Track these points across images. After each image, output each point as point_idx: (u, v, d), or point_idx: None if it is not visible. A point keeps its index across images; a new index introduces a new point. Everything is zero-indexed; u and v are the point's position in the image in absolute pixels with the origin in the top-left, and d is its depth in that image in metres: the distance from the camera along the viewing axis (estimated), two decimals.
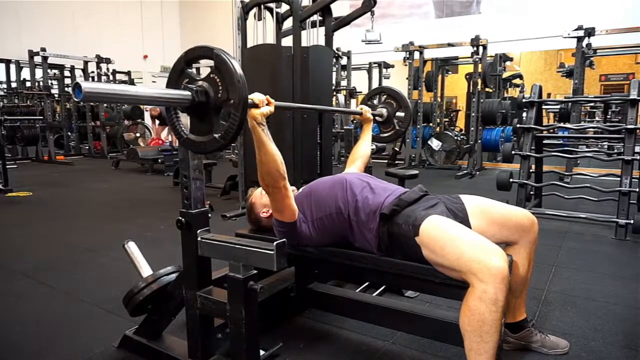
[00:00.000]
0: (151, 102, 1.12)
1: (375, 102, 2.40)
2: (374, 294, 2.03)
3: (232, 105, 1.09)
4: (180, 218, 1.40)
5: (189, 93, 1.12)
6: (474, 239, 1.30)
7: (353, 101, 9.43)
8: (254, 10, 3.74)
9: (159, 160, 6.64)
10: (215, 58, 1.10)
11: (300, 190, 1.72)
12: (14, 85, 9.17)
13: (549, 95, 12.73)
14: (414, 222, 1.40)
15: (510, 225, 1.53)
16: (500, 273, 1.19)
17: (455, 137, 7.27)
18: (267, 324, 1.71)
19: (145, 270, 1.68)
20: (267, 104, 1.39)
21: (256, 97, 1.36)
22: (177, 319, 1.66)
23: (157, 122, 8.59)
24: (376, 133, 2.34)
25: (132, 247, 1.75)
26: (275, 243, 1.23)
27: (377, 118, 2.27)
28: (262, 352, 1.48)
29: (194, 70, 1.19)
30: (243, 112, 1.10)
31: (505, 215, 1.55)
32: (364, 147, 2.10)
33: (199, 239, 1.38)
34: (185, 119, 1.21)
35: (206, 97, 1.12)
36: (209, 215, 1.45)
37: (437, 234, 1.35)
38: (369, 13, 3.61)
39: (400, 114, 2.30)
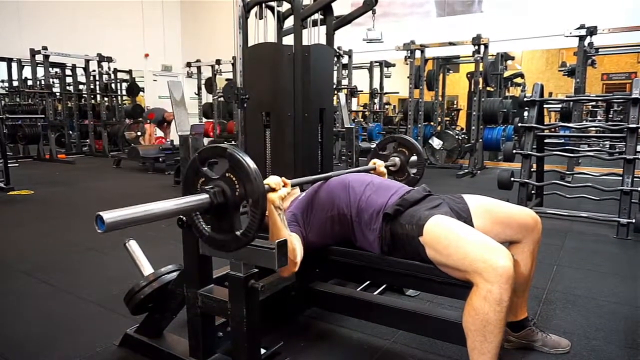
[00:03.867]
0: (173, 214, 1.11)
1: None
2: (375, 293, 2.03)
3: (250, 201, 1.10)
4: (182, 216, 1.40)
5: (207, 196, 1.12)
6: (479, 238, 1.30)
7: (354, 100, 9.43)
8: (255, 9, 3.72)
9: (160, 159, 6.64)
10: (229, 157, 1.12)
11: (303, 194, 1.71)
12: (15, 83, 9.16)
13: (550, 94, 12.71)
14: (418, 222, 1.39)
15: (514, 225, 1.53)
16: (506, 273, 1.19)
17: (457, 136, 7.26)
18: (268, 323, 1.71)
19: (147, 268, 1.68)
20: (283, 186, 1.38)
21: (272, 181, 1.35)
22: (178, 318, 1.66)
23: (165, 124, 8.74)
24: None
25: (133, 246, 1.75)
26: (276, 242, 1.22)
27: (390, 168, 2.22)
28: (263, 351, 1.48)
29: (208, 169, 1.19)
30: (262, 207, 1.10)
31: (509, 215, 1.54)
32: None
33: None
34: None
35: (224, 197, 1.13)
36: None
37: (442, 233, 1.34)
38: (371, 12, 3.60)
39: (413, 158, 2.25)
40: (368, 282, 2.10)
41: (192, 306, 1.44)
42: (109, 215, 0.91)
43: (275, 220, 1.37)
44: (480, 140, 6.76)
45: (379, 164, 2.09)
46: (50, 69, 8.67)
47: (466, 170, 6.44)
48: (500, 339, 1.21)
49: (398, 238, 1.44)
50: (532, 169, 3.89)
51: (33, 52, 8.30)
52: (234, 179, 1.12)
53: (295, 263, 1.41)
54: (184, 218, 1.39)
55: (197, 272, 1.43)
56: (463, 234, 1.32)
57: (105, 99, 9.32)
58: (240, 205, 1.14)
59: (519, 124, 4.07)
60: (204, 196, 1.12)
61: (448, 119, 9.91)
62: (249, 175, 1.09)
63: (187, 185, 1.20)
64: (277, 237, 1.36)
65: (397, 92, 10.87)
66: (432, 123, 7.80)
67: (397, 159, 2.25)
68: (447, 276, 1.35)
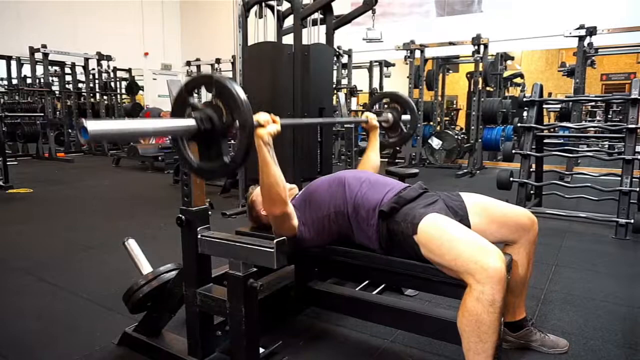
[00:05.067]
0: (158, 133, 1.08)
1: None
2: (374, 293, 2.03)
3: (238, 128, 1.08)
4: (180, 215, 1.40)
5: (194, 122, 1.11)
6: (472, 239, 1.29)
7: (354, 100, 9.42)
8: (255, 7, 3.73)
9: (159, 158, 6.63)
10: (216, 84, 1.10)
11: (300, 192, 1.71)
12: (14, 82, 9.15)
13: (549, 94, 12.71)
14: (412, 220, 1.39)
15: (511, 224, 1.53)
16: (497, 274, 1.18)
17: (456, 136, 7.26)
18: (266, 322, 1.71)
19: (145, 267, 1.68)
20: (272, 123, 1.38)
21: (261, 117, 1.35)
22: (177, 317, 1.66)
23: None
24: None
25: (132, 245, 1.75)
26: (275, 241, 1.22)
27: (383, 124, 2.19)
28: (261, 350, 1.48)
29: (195, 99, 1.17)
30: (250, 134, 1.09)
31: (505, 214, 1.54)
32: (373, 158, 2.03)
33: (199, 236, 1.38)
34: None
35: (211, 124, 1.11)
36: (209, 212, 1.45)
37: (435, 233, 1.34)
38: (370, 11, 3.61)
39: (406, 117, 2.23)
40: (367, 281, 2.10)
41: (191, 305, 1.44)
42: (93, 126, 0.90)
43: (264, 156, 1.36)
44: (480, 140, 6.77)
45: (372, 117, 2.06)
46: (49, 67, 8.66)
47: (465, 170, 6.44)
48: (495, 339, 1.21)
49: (394, 235, 1.44)
50: (531, 169, 3.90)
51: (32, 50, 8.29)
52: (221, 106, 1.10)
53: (285, 202, 1.44)
54: (183, 217, 1.39)
55: (196, 271, 1.43)
56: (456, 234, 1.31)
57: (105, 97, 9.31)
58: (228, 133, 1.12)
59: (519, 124, 4.07)
60: (191, 121, 1.11)
61: (447, 118, 9.93)
62: (236, 102, 1.07)
63: (175, 114, 1.17)
64: (266, 174, 1.37)
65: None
66: (431, 123, 7.80)
67: (389, 115, 2.20)
68: (445, 276, 1.35)
